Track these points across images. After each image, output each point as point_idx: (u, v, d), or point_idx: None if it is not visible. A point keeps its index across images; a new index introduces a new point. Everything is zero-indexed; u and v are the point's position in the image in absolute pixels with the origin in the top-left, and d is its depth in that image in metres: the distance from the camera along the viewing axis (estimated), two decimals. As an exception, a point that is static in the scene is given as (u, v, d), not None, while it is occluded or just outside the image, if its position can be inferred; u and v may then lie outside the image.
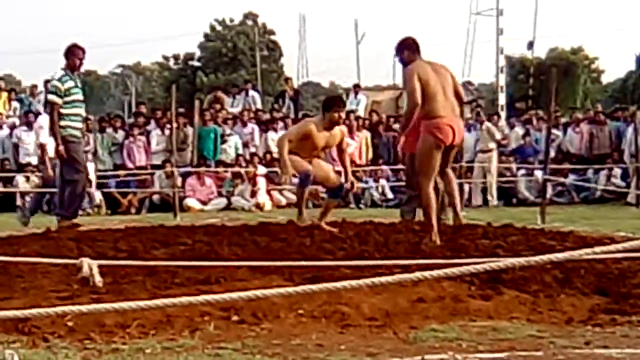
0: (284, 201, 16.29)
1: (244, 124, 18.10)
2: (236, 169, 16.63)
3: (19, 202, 15.56)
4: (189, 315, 4.65)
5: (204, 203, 15.96)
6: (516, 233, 8.07)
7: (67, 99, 9.32)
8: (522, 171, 17.01)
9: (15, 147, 16.77)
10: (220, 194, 16.39)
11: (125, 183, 16.28)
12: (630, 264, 6.01)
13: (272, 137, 17.23)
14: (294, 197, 16.09)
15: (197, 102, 18.17)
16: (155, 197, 16.17)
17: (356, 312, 4.82)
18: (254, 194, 15.99)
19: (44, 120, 11.37)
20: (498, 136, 16.83)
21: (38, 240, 7.97)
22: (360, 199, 16.59)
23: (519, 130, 18.47)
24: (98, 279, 5.46)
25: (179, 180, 14.98)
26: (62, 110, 9.29)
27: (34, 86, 20.35)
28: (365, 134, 17.98)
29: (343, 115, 8.81)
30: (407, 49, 7.73)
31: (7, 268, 6.03)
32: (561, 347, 4.21)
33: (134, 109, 25.70)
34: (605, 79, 52.86)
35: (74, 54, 9.46)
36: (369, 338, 4.44)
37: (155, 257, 6.62)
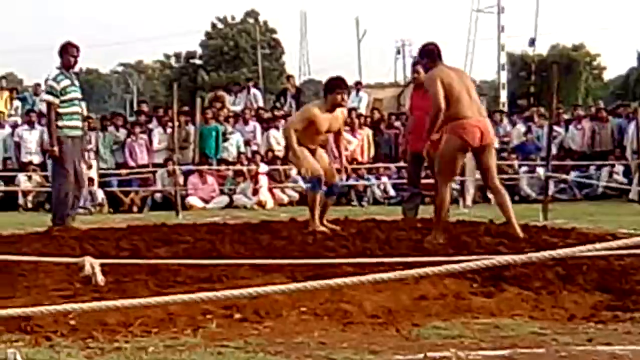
0: (286, 199, 16.30)
1: (246, 122, 18.10)
2: (238, 167, 16.63)
3: (20, 200, 15.60)
4: (191, 313, 4.65)
5: (206, 201, 15.97)
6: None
7: (64, 97, 9.26)
8: (524, 168, 17.00)
9: (17, 146, 16.78)
10: (222, 192, 16.39)
11: (127, 182, 16.30)
12: (632, 261, 6.00)
13: (274, 135, 17.23)
14: (296, 195, 16.15)
15: (198, 100, 18.18)
16: (158, 196, 16.17)
17: (358, 310, 4.82)
18: (255, 192, 15.99)
19: None
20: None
21: (40, 239, 7.97)
22: (362, 196, 16.59)
23: (521, 127, 18.46)
24: (100, 278, 5.46)
25: (181, 179, 15.00)
26: (60, 110, 9.24)
27: (37, 85, 20.32)
28: (367, 132, 17.97)
29: (345, 97, 8.55)
30: (427, 56, 7.71)
31: (9, 267, 6.03)
32: (563, 344, 4.21)
33: (135, 108, 25.71)
34: (607, 76, 52.91)
35: (68, 52, 9.39)
36: (372, 335, 4.44)
37: (158, 256, 6.62)
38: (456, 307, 4.95)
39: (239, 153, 17.19)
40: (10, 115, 18.29)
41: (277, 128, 17.28)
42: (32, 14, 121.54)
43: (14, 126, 17.42)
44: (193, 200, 15.72)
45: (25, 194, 15.76)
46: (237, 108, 19.38)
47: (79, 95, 9.52)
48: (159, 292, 5.25)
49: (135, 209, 15.59)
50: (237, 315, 4.72)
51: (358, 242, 7.28)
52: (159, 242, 7.52)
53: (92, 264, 5.50)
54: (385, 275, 3.20)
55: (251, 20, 55.09)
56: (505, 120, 18.96)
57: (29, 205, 15.65)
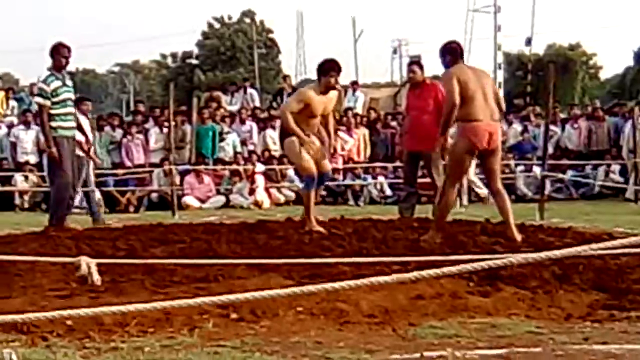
0: (282, 199, 16.29)
1: (242, 122, 18.08)
2: (234, 166, 16.62)
3: (17, 200, 15.58)
4: (188, 313, 4.64)
5: (203, 201, 15.95)
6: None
7: (55, 99, 9.18)
8: (521, 167, 17.00)
9: (14, 146, 16.73)
10: (218, 192, 16.38)
11: (124, 181, 16.25)
12: (628, 260, 6.01)
13: (271, 134, 17.21)
14: (292, 195, 16.14)
15: (195, 100, 18.16)
16: (154, 196, 16.15)
17: (355, 309, 4.82)
18: (252, 191, 15.97)
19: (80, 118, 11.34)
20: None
21: (37, 239, 7.96)
22: (358, 196, 16.60)
23: (517, 126, 18.47)
24: (96, 278, 5.45)
25: (177, 179, 14.97)
26: (53, 111, 9.18)
27: (33, 84, 20.28)
28: (363, 131, 17.97)
29: (339, 79, 8.52)
30: (450, 54, 7.68)
31: (5, 267, 6.03)
32: (560, 343, 4.21)
33: (132, 107, 25.70)
34: (603, 75, 52.98)
35: (59, 52, 9.31)
36: (368, 335, 4.44)
37: (154, 256, 6.62)
38: (453, 307, 4.96)
39: (236, 153, 17.17)
40: (6, 116, 18.26)
41: (273, 128, 17.26)
42: (29, 14, 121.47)
43: (10, 126, 17.38)
44: (189, 200, 15.70)
45: (21, 194, 15.72)
46: (234, 108, 19.36)
47: (71, 95, 9.47)
48: (156, 292, 5.26)
49: (131, 208, 15.55)
50: (234, 315, 4.72)
51: (354, 242, 7.29)
52: (155, 241, 7.52)
53: (88, 264, 5.49)
54: (382, 279, 3.20)
55: (248, 20, 55.06)
56: (502, 120, 18.95)
57: (26, 205, 15.61)
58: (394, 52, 51.73)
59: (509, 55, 41.29)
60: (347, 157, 17.61)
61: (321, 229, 8.15)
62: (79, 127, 10.29)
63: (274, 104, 20.05)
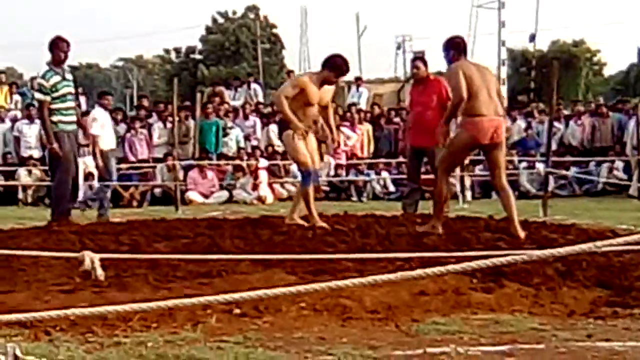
0: (285, 194, 16.28)
1: (246, 117, 18.08)
2: (238, 162, 16.62)
3: (20, 195, 15.59)
4: (191, 308, 4.64)
5: (206, 196, 15.95)
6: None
7: (55, 94, 9.17)
8: (524, 164, 16.97)
9: (17, 140, 16.74)
10: (222, 187, 16.38)
11: (127, 176, 16.25)
12: (632, 257, 6.01)
13: (274, 130, 17.15)
14: (295, 190, 16.13)
15: (198, 95, 18.15)
16: (157, 190, 16.15)
17: (358, 305, 4.82)
18: (255, 187, 15.98)
19: (98, 113, 11.34)
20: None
21: (40, 233, 7.97)
22: (362, 192, 16.58)
23: (521, 123, 18.43)
24: (100, 272, 5.46)
25: (180, 174, 14.97)
26: (53, 106, 9.17)
27: (33, 78, 20.30)
28: (367, 127, 17.94)
29: (339, 80, 8.55)
30: (454, 48, 7.72)
31: (9, 261, 6.04)
32: (563, 340, 4.21)
33: (135, 102, 25.67)
34: (607, 72, 52.83)
35: (58, 47, 9.30)
36: (371, 331, 4.44)
37: (157, 251, 6.63)
38: (456, 303, 4.96)
39: (239, 148, 17.17)
40: (9, 110, 18.26)
41: (276, 123, 17.24)
42: (32, 9, 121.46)
43: (14, 120, 17.38)
44: (193, 195, 15.70)
45: (25, 188, 15.74)
46: (237, 103, 19.35)
47: (71, 90, 9.45)
48: (159, 287, 5.26)
49: (134, 203, 15.55)
50: (237, 311, 4.72)
51: (358, 238, 7.29)
52: (158, 237, 7.52)
53: (91, 259, 5.50)
54: (385, 277, 3.20)
55: (252, 15, 55.04)
56: (505, 116, 18.92)
57: (29, 199, 15.62)
58: (398, 47, 51.59)
59: (512, 51, 41.19)
60: (350, 153, 17.59)
61: (324, 225, 8.14)
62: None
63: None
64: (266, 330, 4.44)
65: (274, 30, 55.44)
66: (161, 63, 62.69)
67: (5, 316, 3.77)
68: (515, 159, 16.97)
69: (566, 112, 19.21)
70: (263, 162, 16.28)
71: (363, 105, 19.77)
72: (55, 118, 9.18)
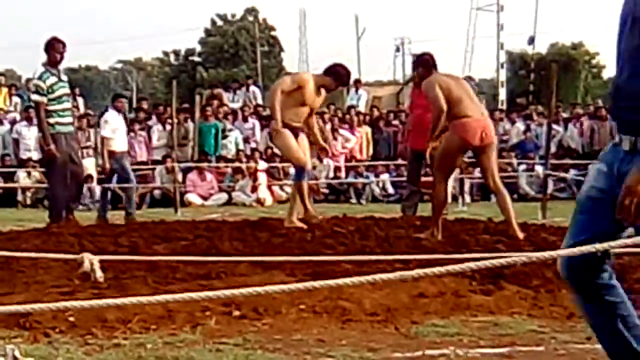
0: (284, 196, 16.27)
1: (245, 119, 18.09)
2: (237, 164, 16.62)
3: (19, 197, 15.59)
4: (190, 310, 4.65)
5: (205, 198, 15.95)
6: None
7: (51, 95, 9.14)
8: (523, 166, 16.99)
9: (16, 142, 16.74)
10: (221, 189, 16.38)
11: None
12: (630, 259, 6.01)
13: (273, 132, 17.21)
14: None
15: (197, 98, 18.15)
16: (156, 193, 16.15)
17: (357, 307, 4.82)
18: (254, 189, 15.98)
19: (110, 116, 11.34)
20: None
21: (39, 235, 7.96)
22: (361, 194, 16.59)
23: (520, 125, 18.46)
24: (99, 274, 5.46)
25: (179, 176, 14.97)
26: (50, 107, 9.15)
27: (29, 80, 20.26)
28: (366, 129, 17.98)
29: (337, 88, 8.80)
30: (422, 65, 7.96)
31: (8, 263, 6.04)
32: (562, 342, 4.22)
33: (134, 105, 25.66)
34: (606, 74, 52.73)
35: (54, 48, 9.26)
36: (370, 333, 4.45)
37: (156, 252, 6.62)
38: (455, 305, 4.96)
39: (238, 150, 17.18)
40: (8, 112, 18.26)
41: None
42: (31, 10, 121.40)
43: (13, 122, 17.38)
44: (192, 197, 15.71)
45: (24, 190, 15.74)
46: (236, 105, 19.36)
47: (67, 91, 9.44)
48: (158, 289, 5.26)
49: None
50: (236, 313, 4.72)
51: (357, 240, 7.29)
52: (157, 238, 7.52)
53: (91, 261, 5.50)
54: (384, 276, 3.20)
55: (250, 18, 55.02)
56: (505, 119, 18.96)
57: (28, 201, 15.62)
58: (397, 50, 51.65)
59: (511, 54, 41.20)
60: (349, 155, 17.61)
61: (303, 225, 8.17)
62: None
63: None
64: (265, 332, 4.44)
65: (273, 33, 55.44)
66: (160, 65, 62.63)
67: (5, 307, 3.77)
68: (515, 161, 17.00)
69: (565, 115, 19.23)
70: (262, 165, 16.29)
71: (362, 107, 19.79)
72: (52, 120, 9.15)
